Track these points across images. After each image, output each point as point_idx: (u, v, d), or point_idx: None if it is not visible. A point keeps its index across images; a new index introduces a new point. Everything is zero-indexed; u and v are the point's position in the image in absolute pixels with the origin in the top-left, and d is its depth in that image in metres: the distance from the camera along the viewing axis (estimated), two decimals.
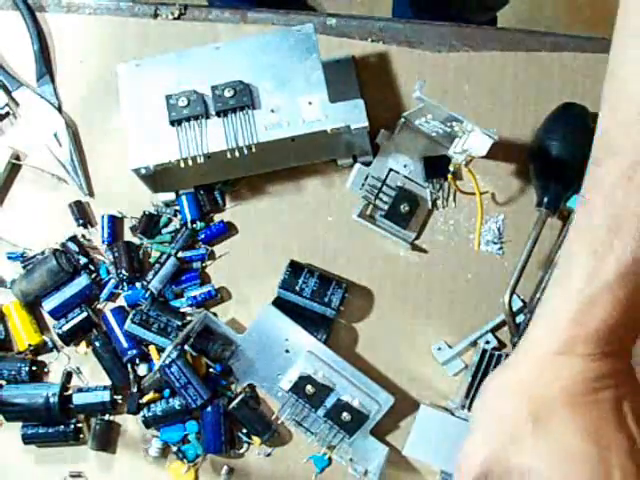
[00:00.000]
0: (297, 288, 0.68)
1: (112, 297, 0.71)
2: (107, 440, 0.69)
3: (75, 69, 0.74)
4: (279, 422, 0.68)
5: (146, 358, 0.69)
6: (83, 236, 0.71)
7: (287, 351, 0.69)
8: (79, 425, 0.69)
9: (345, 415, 0.66)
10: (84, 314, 0.69)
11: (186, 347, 0.66)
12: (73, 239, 0.70)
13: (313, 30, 0.67)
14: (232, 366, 0.68)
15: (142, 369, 0.69)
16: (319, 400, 0.66)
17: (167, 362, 0.66)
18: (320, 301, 0.68)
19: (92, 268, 0.70)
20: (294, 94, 0.65)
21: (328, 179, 0.72)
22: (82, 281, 0.69)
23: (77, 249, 0.70)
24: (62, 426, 0.68)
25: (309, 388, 0.66)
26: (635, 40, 0.50)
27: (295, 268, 0.69)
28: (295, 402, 0.67)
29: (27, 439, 0.68)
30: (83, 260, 0.70)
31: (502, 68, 0.73)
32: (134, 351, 0.68)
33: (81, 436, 0.69)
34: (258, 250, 0.72)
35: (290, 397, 0.67)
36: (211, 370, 0.68)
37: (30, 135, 0.73)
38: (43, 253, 0.70)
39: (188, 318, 0.69)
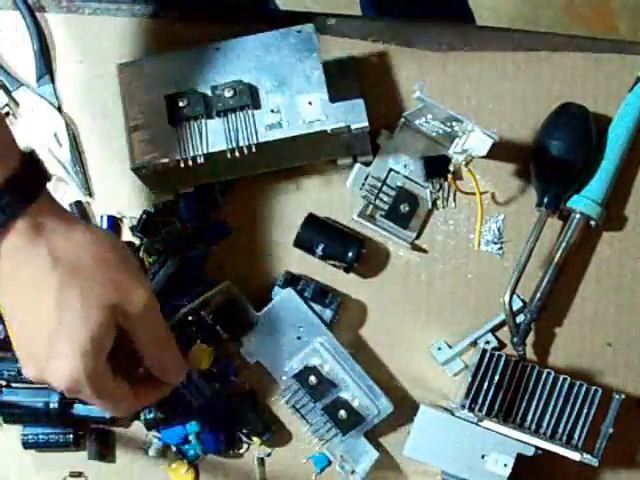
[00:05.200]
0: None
1: None
2: (105, 450, 0.69)
3: (75, 69, 0.74)
4: (280, 403, 0.68)
5: None
6: None
7: (299, 338, 0.69)
8: (79, 432, 0.68)
9: (342, 413, 0.66)
10: None
11: (202, 313, 0.67)
12: None
13: (313, 30, 0.67)
14: (244, 341, 0.69)
15: None
16: (319, 393, 0.67)
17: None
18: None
19: None
20: (294, 94, 0.65)
21: (328, 179, 0.72)
22: None
23: None
24: (62, 435, 0.67)
25: (312, 379, 0.67)
26: None
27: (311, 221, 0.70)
28: (297, 390, 0.67)
29: (27, 446, 0.68)
30: None
31: (502, 68, 0.73)
32: None
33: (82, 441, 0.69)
34: (258, 250, 0.71)
35: (293, 383, 0.67)
36: (212, 369, 0.68)
37: (30, 135, 0.73)
38: None
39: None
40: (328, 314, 0.69)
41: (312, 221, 0.70)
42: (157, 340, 0.56)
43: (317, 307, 0.69)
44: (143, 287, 0.54)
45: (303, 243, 0.69)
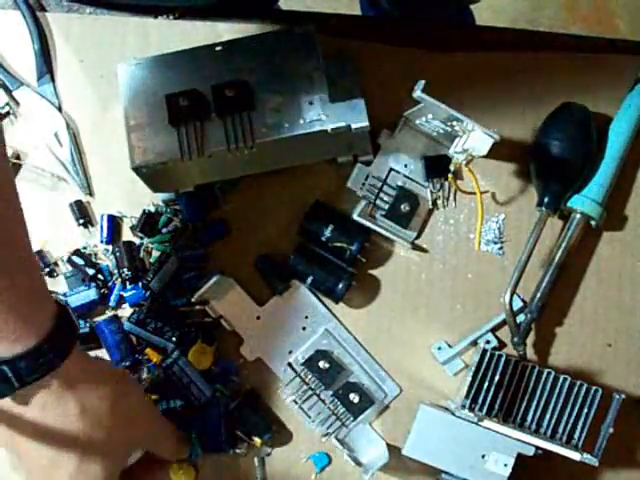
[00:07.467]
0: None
1: (120, 301, 0.70)
2: None
3: (75, 69, 0.74)
4: (284, 397, 0.69)
5: (140, 366, 0.69)
6: (85, 248, 0.71)
7: (304, 328, 0.69)
8: None
9: (353, 396, 0.67)
10: (85, 330, 0.68)
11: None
12: (77, 253, 0.70)
13: (313, 30, 0.67)
14: (245, 339, 0.69)
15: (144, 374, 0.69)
16: (330, 377, 0.68)
17: (169, 362, 0.66)
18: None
19: (101, 278, 0.70)
20: (295, 94, 0.65)
21: (328, 179, 0.72)
22: (91, 294, 0.69)
23: (83, 262, 0.70)
24: None
25: (323, 364, 0.67)
26: None
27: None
28: (300, 382, 0.68)
29: None
30: (91, 271, 0.70)
31: (502, 68, 0.73)
32: (126, 363, 0.68)
33: None
34: (258, 250, 0.71)
35: (299, 373, 0.68)
36: (213, 368, 0.68)
37: (30, 134, 0.73)
38: (56, 264, 0.71)
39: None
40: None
41: (302, 250, 0.70)
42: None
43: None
44: (153, 428, 0.62)
45: (295, 274, 0.70)
